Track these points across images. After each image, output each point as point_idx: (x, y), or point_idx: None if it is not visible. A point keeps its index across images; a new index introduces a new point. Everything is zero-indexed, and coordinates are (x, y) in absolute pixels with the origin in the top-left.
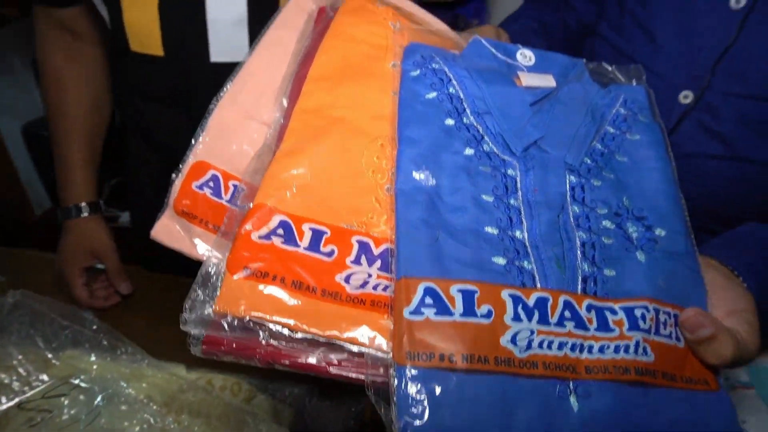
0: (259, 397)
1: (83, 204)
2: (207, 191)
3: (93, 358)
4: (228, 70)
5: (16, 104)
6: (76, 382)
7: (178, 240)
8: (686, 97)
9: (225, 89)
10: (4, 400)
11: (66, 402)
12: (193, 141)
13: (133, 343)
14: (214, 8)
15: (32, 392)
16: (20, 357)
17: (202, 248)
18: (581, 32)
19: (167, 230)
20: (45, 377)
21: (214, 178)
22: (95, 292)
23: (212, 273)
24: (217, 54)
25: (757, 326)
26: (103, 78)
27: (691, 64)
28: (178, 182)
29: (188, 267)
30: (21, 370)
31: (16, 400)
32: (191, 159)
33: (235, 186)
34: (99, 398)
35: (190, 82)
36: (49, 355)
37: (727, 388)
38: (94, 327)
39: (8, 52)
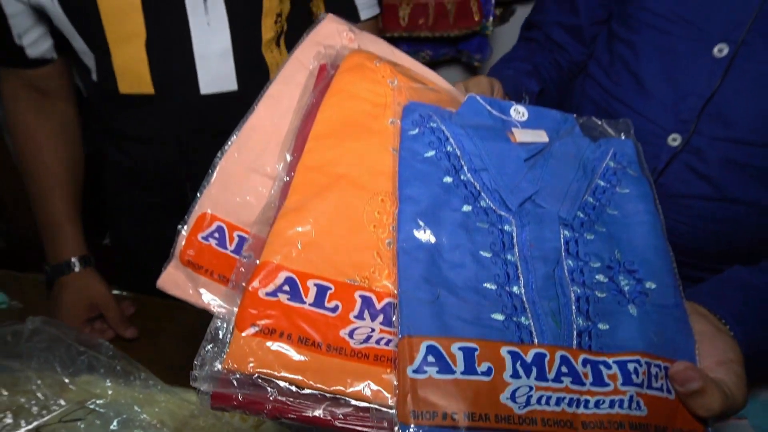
0: (267, 424)
1: (74, 259)
2: (212, 242)
3: (108, 384)
4: (217, 100)
5: None
6: (92, 406)
7: (183, 290)
8: (674, 140)
9: (229, 142)
10: (23, 423)
11: (82, 426)
12: (198, 194)
13: (146, 369)
14: (199, 42)
15: (50, 416)
16: (39, 382)
17: (207, 297)
18: (573, 72)
19: (173, 280)
20: (62, 401)
21: (220, 230)
22: (97, 329)
23: (221, 329)
24: (207, 86)
25: (744, 377)
26: (75, 131)
27: (678, 108)
28: (184, 233)
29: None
30: (39, 395)
31: (35, 423)
32: (197, 210)
33: (240, 237)
34: (114, 423)
35: (182, 115)
36: (66, 380)
37: None
38: (110, 353)
39: None
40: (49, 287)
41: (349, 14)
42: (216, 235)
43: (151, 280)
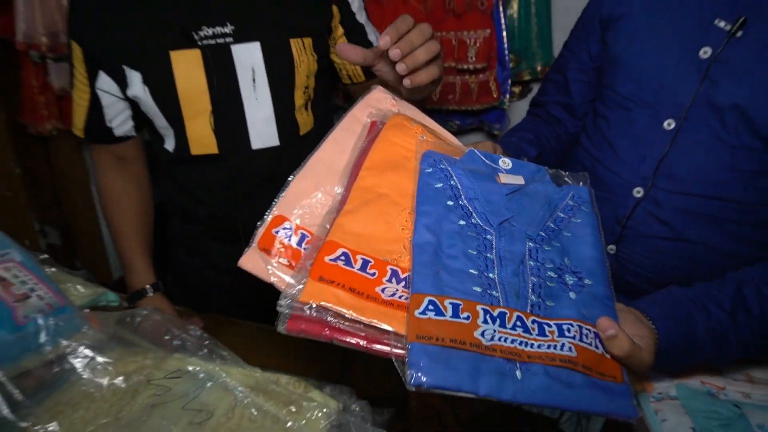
0: (314, 391)
1: (147, 287)
2: (282, 235)
3: (197, 358)
4: (266, 154)
5: None
6: (190, 369)
7: (257, 268)
8: (638, 192)
9: (300, 168)
10: (134, 377)
11: (181, 381)
12: (274, 201)
13: (226, 348)
14: (250, 112)
15: (157, 372)
16: (148, 354)
17: (278, 276)
18: (569, 142)
19: (251, 261)
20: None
21: (288, 227)
22: None
23: (295, 284)
24: (256, 143)
25: (652, 349)
26: (147, 186)
27: (639, 168)
28: (262, 228)
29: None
30: (147, 362)
31: (145, 373)
32: (274, 212)
33: (302, 234)
34: (202, 377)
35: (237, 167)
36: (166, 354)
37: (631, 384)
38: (198, 335)
39: None
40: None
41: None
42: (286, 230)
43: (205, 299)
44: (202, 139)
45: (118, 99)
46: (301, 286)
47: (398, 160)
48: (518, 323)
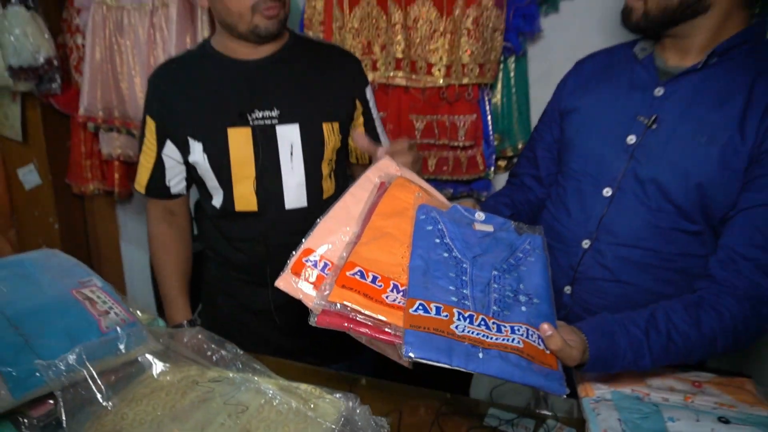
0: (327, 396)
1: (185, 322)
2: (309, 263)
3: (233, 372)
4: (296, 213)
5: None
6: (230, 375)
7: (289, 288)
8: (586, 243)
9: (326, 214)
10: (182, 380)
11: (221, 384)
12: (304, 237)
13: (258, 361)
14: (286, 178)
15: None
16: (193, 364)
17: (305, 293)
18: (539, 206)
19: (285, 282)
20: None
21: (316, 257)
22: None
23: (319, 298)
24: (289, 204)
25: (581, 349)
26: (189, 238)
27: (586, 225)
28: (295, 257)
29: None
30: (191, 372)
31: (192, 374)
32: (304, 245)
33: (324, 263)
34: (239, 382)
35: (272, 224)
36: (206, 367)
37: (563, 373)
38: (234, 351)
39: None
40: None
41: None
42: (313, 259)
43: (231, 337)
44: (246, 198)
45: (178, 163)
46: (328, 292)
47: (400, 210)
48: (482, 323)
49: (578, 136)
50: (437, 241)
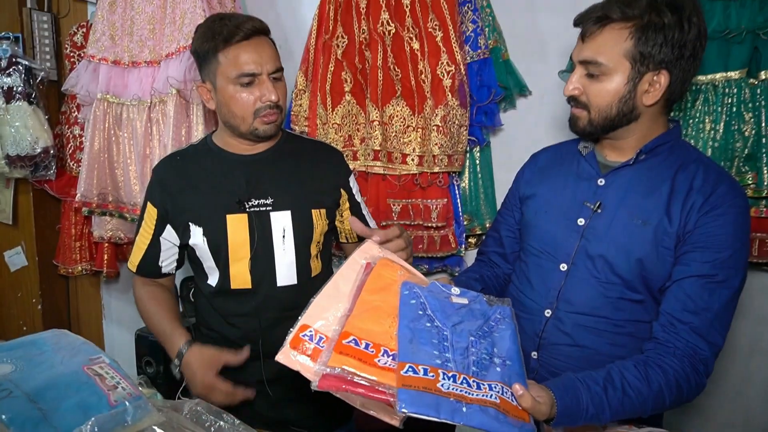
0: None
1: (183, 344)
2: (306, 338)
3: None
4: (287, 290)
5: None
6: None
7: (288, 361)
8: (548, 312)
9: (318, 293)
10: None
11: None
12: (300, 315)
13: (255, 430)
14: (278, 258)
15: None
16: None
17: (303, 365)
18: (505, 280)
19: (286, 356)
20: None
21: (311, 332)
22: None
23: (320, 363)
24: (281, 282)
25: (549, 405)
26: (173, 294)
27: (547, 296)
28: (293, 333)
29: None
30: None
31: None
32: (300, 322)
33: (320, 336)
34: None
35: (265, 300)
36: None
37: (534, 426)
38: (230, 421)
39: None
40: (181, 374)
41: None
42: (309, 335)
43: (233, 409)
44: (241, 277)
45: (173, 246)
46: (327, 358)
47: (385, 286)
48: (464, 381)
49: (536, 218)
50: (420, 312)
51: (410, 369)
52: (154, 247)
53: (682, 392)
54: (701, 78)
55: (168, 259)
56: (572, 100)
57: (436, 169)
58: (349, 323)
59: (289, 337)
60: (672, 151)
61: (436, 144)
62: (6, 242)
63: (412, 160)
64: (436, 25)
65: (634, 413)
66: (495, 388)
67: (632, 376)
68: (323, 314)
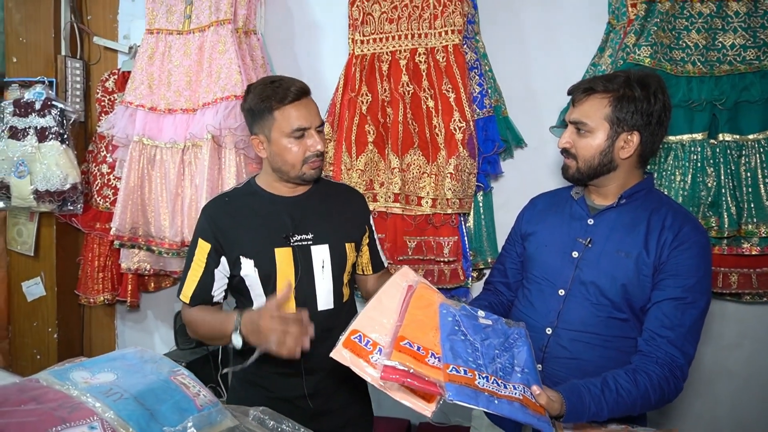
0: None
1: (236, 316)
2: (356, 340)
3: None
4: (325, 313)
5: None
6: None
7: (342, 358)
8: (549, 330)
9: (366, 306)
10: None
11: None
12: (351, 322)
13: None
14: (318, 286)
15: None
16: None
17: (354, 361)
18: (508, 306)
19: (339, 355)
20: None
21: (360, 335)
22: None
23: (378, 362)
24: (321, 306)
25: (560, 403)
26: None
27: (548, 317)
28: (344, 336)
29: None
30: None
31: None
32: (351, 327)
33: (367, 340)
34: None
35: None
36: None
37: (549, 418)
38: (293, 426)
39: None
40: (244, 342)
41: (381, 265)
42: (359, 337)
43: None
44: (286, 303)
45: (225, 277)
46: (389, 352)
47: (427, 305)
48: (494, 382)
49: (537, 252)
50: (456, 328)
51: (453, 369)
52: (207, 279)
53: (664, 393)
54: (672, 138)
55: (219, 289)
56: (564, 152)
57: (449, 211)
58: (402, 330)
59: (342, 339)
60: (647, 197)
61: (450, 189)
62: (25, 273)
63: (426, 202)
64: (449, 87)
65: (626, 411)
66: (518, 388)
67: (624, 381)
68: (371, 323)
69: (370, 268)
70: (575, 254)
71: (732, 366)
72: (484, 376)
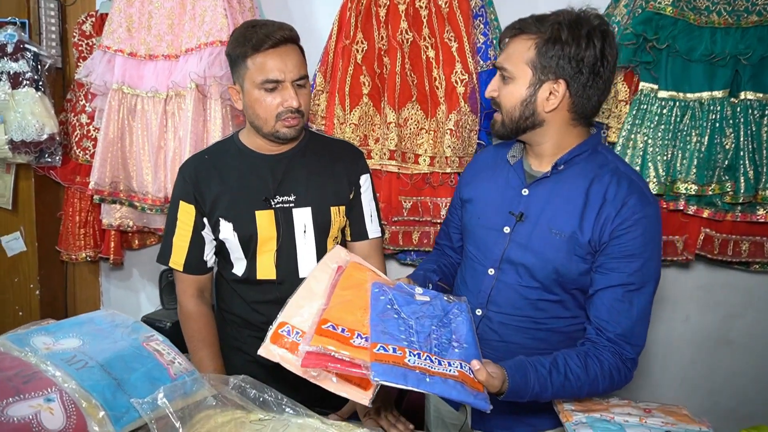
0: (358, 429)
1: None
2: (284, 333)
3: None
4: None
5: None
6: (272, 415)
7: (270, 354)
8: (479, 311)
9: (294, 293)
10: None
11: (270, 422)
12: (280, 312)
13: (299, 404)
14: (300, 251)
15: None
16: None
17: (282, 357)
18: (457, 266)
19: (267, 350)
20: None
21: (288, 327)
22: None
23: (300, 348)
24: (302, 272)
25: (501, 379)
26: (211, 308)
27: (478, 298)
28: (272, 329)
29: None
30: (238, 413)
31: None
32: (278, 319)
33: (297, 332)
34: (284, 420)
35: (288, 288)
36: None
37: (487, 395)
38: (275, 395)
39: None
40: None
41: (363, 235)
42: (287, 330)
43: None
44: (267, 268)
45: (212, 240)
46: (310, 339)
47: (356, 284)
48: (427, 358)
49: (471, 224)
50: (389, 306)
51: (381, 348)
52: (197, 243)
53: (614, 381)
54: (689, 96)
55: (210, 253)
56: (492, 102)
57: (448, 170)
58: (326, 313)
59: (269, 334)
60: (588, 161)
61: (449, 147)
62: (4, 227)
63: (424, 160)
64: (451, 36)
65: (571, 395)
66: (453, 364)
67: (574, 364)
68: (299, 311)
69: (349, 234)
70: (506, 230)
71: (734, 336)
72: (415, 353)
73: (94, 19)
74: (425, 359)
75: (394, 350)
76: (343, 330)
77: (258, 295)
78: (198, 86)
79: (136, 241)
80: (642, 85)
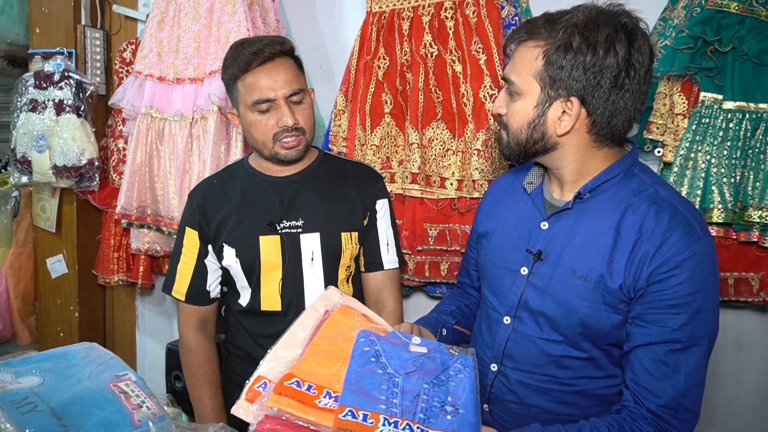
0: None
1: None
2: (260, 389)
3: None
4: None
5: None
6: None
7: (246, 414)
8: (494, 367)
9: (276, 343)
10: None
11: None
12: (258, 367)
13: None
14: (307, 281)
15: None
16: None
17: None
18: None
19: (243, 409)
20: None
21: (264, 382)
22: None
23: (259, 407)
24: (309, 303)
25: None
26: (214, 342)
27: (493, 349)
28: (248, 385)
29: None
30: None
31: None
32: (256, 374)
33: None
34: None
35: (293, 322)
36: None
37: None
38: None
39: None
40: None
41: (378, 265)
42: (263, 385)
43: None
44: (271, 298)
45: (217, 269)
46: (266, 399)
47: (340, 332)
48: (407, 427)
49: (486, 262)
50: (373, 360)
51: (349, 413)
52: (200, 272)
53: None
54: (762, 106)
55: (214, 282)
56: (499, 120)
57: (476, 195)
58: (295, 366)
59: (245, 390)
60: (621, 186)
61: (477, 169)
62: (49, 250)
63: (451, 184)
64: (479, 48)
65: None
66: None
67: None
68: (279, 365)
69: (363, 264)
70: (524, 271)
71: None
72: (392, 421)
73: (134, 46)
74: (404, 428)
75: (365, 417)
76: (309, 387)
77: (262, 328)
78: (221, 109)
79: (167, 266)
80: (703, 95)
